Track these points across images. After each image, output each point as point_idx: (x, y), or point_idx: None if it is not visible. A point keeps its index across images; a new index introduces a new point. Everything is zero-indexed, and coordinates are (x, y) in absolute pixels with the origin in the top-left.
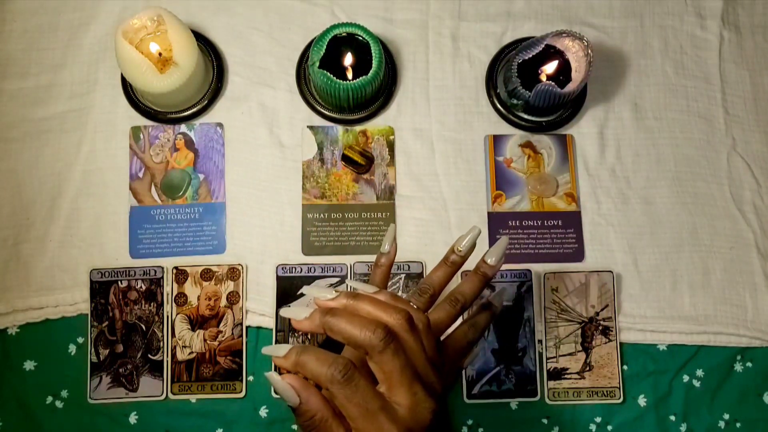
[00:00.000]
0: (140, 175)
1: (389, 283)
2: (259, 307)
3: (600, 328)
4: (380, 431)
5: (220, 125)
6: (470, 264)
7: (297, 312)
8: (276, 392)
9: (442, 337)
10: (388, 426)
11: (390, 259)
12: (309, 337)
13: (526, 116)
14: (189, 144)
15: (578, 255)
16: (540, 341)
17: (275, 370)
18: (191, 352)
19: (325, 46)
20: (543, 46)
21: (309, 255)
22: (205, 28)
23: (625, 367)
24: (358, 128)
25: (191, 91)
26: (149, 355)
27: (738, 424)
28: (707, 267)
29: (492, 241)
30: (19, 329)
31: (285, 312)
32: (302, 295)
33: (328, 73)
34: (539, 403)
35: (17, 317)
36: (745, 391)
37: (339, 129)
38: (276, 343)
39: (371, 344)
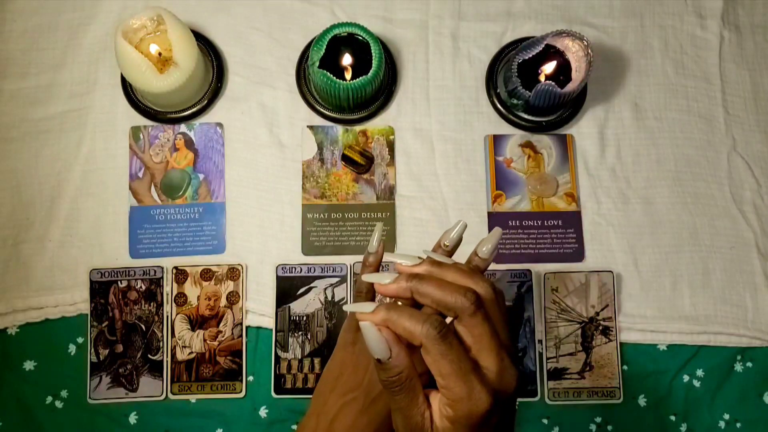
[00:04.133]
0: (140, 175)
1: None
2: (258, 307)
3: (600, 328)
4: (471, 390)
5: (220, 125)
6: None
7: (381, 277)
8: (368, 343)
9: None
10: (479, 387)
11: (378, 258)
12: (309, 337)
13: (526, 116)
14: (189, 144)
15: (578, 255)
16: (540, 341)
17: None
18: (191, 352)
19: (325, 46)
20: (543, 45)
21: (309, 255)
22: (205, 28)
23: (625, 367)
24: (358, 128)
25: (191, 91)
26: (149, 355)
27: (738, 424)
28: (707, 267)
29: None
30: (19, 329)
31: (368, 277)
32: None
33: (328, 73)
34: (539, 403)
35: (17, 317)
36: (745, 391)
37: (339, 129)
38: (276, 343)
39: (463, 306)
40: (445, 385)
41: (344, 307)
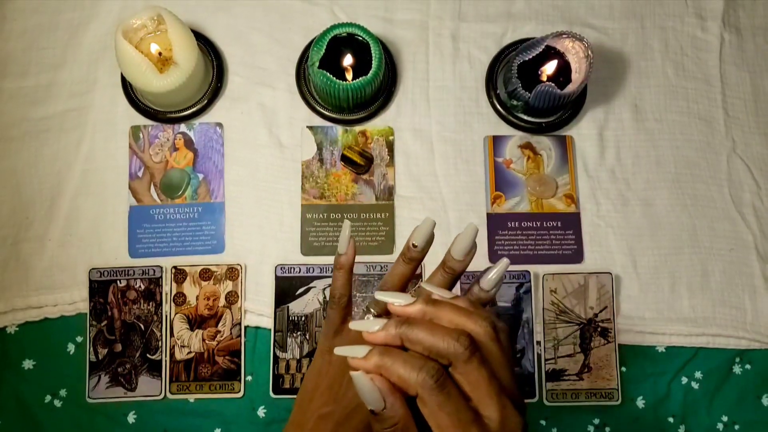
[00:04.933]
0: (139, 174)
1: None
2: (257, 307)
3: (599, 329)
4: None
5: (220, 125)
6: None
7: (369, 324)
8: (361, 393)
9: None
10: None
11: (349, 259)
12: (308, 338)
13: (525, 117)
14: (188, 143)
15: (577, 256)
16: (539, 342)
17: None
18: (190, 352)
19: (324, 46)
20: (543, 47)
21: (308, 255)
22: (205, 28)
23: (623, 368)
24: (357, 128)
25: (191, 91)
26: (148, 355)
27: (736, 426)
28: (706, 269)
29: (491, 242)
30: (18, 328)
31: (355, 325)
32: (301, 294)
33: (328, 74)
34: (537, 405)
35: (16, 316)
36: (743, 393)
37: (338, 129)
38: (275, 343)
39: (456, 353)
40: None
41: (335, 350)
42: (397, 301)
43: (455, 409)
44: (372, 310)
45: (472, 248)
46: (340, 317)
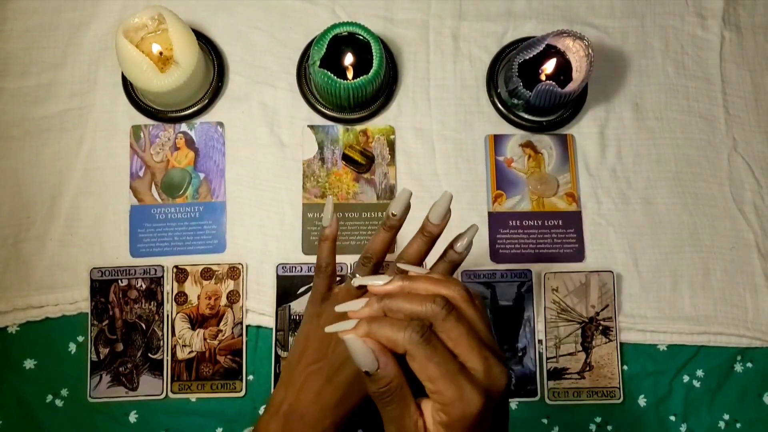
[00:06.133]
0: (140, 174)
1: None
2: (259, 306)
3: (600, 328)
4: (462, 391)
5: (221, 124)
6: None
7: (353, 305)
8: (355, 356)
9: None
10: (470, 387)
11: (333, 231)
12: None
13: (526, 116)
14: (189, 143)
15: (578, 255)
16: (540, 341)
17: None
18: (191, 351)
19: (325, 46)
20: (544, 45)
21: (309, 254)
22: (206, 27)
23: (625, 367)
24: (358, 127)
25: (192, 90)
26: (149, 354)
27: (738, 425)
28: (708, 267)
29: (492, 241)
30: (20, 328)
31: (341, 307)
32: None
33: (329, 73)
34: (539, 403)
35: (17, 316)
36: (745, 392)
37: (339, 128)
38: (277, 342)
39: (434, 313)
40: (435, 390)
41: (326, 329)
42: (376, 282)
43: (443, 360)
44: (357, 275)
45: (447, 213)
46: (326, 285)
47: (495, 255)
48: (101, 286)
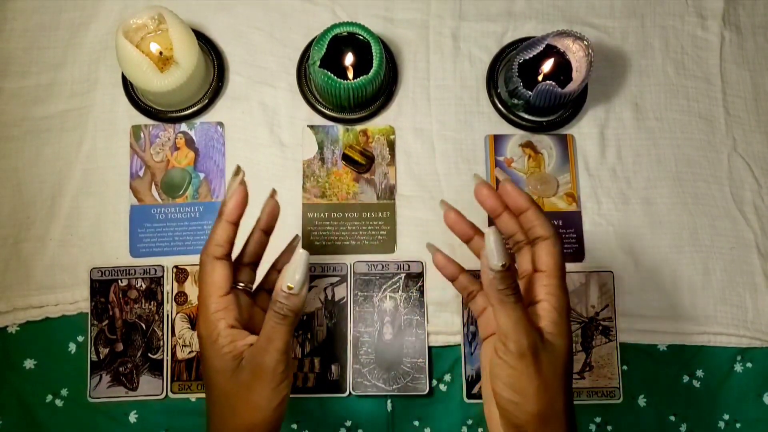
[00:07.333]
0: (141, 173)
1: (389, 283)
2: None
3: (600, 328)
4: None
5: (221, 124)
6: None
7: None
8: (494, 248)
9: None
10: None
11: (240, 183)
12: (309, 337)
13: (526, 116)
14: (189, 143)
15: (578, 255)
16: None
17: None
18: (191, 351)
19: (325, 46)
20: (544, 46)
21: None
22: (206, 27)
23: (625, 367)
24: (358, 128)
25: (192, 90)
26: (149, 354)
27: (738, 425)
28: (707, 267)
29: None
30: (20, 328)
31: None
32: None
33: (329, 73)
34: None
35: (17, 316)
36: (745, 392)
37: (339, 128)
38: None
39: (552, 232)
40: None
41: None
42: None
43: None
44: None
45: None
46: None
47: None
48: (101, 286)
